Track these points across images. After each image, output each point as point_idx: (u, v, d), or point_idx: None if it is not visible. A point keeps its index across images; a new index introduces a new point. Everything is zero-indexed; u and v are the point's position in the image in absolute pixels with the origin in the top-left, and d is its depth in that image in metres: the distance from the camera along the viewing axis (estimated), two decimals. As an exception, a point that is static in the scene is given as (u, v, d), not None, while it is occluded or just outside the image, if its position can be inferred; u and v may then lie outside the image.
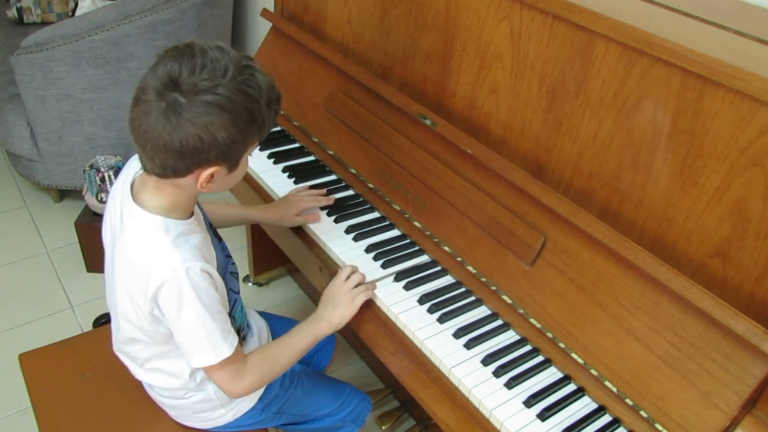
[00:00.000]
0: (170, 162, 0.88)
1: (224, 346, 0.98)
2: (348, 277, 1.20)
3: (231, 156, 0.91)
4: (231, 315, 1.05)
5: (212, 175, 0.92)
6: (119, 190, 1.00)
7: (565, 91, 1.17)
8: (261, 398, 1.20)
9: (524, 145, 1.27)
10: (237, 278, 1.15)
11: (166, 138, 0.85)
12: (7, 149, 2.39)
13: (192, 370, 1.08)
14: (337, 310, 1.15)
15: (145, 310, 0.96)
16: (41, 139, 2.24)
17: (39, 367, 1.27)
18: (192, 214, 1.00)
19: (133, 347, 1.08)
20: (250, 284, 2.21)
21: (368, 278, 1.22)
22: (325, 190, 1.44)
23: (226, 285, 1.05)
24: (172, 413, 1.19)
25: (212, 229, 1.12)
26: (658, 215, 1.08)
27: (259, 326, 1.25)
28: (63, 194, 2.54)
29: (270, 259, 2.17)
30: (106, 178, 2.02)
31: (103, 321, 1.77)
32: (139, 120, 0.87)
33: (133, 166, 1.01)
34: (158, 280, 0.92)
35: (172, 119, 0.84)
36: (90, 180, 2.04)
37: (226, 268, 1.09)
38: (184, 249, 0.93)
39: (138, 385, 1.21)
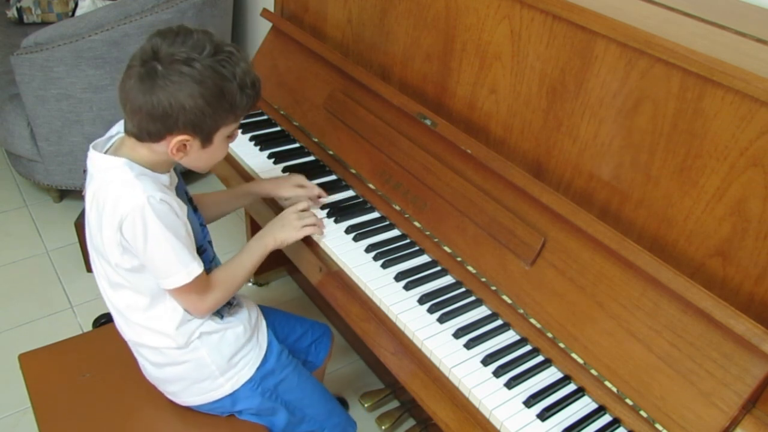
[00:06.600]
0: (144, 124, 0.98)
1: (194, 263, 1.05)
2: (303, 210, 1.30)
3: (201, 128, 1.00)
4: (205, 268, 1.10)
5: (184, 145, 1.01)
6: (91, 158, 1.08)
7: (565, 91, 1.17)
8: (258, 368, 1.21)
9: (524, 145, 1.27)
10: (211, 246, 1.22)
11: (141, 100, 0.96)
12: (7, 149, 2.39)
13: (178, 321, 1.11)
14: (284, 230, 1.26)
15: (114, 242, 1.01)
16: (41, 139, 2.24)
17: (39, 367, 1.27)
18: (164, 174, 1.07)
19: (114, 296, 1.12)
20: (250, 284, 2.21)
21: (369, 279, 1.23)
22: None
23: (202, 246, 1.13)
24: (171, 389, 1.19)
25: (187, 195, 1.17)
26: (658, 215, 1.08)
27: (249, 310, 1.25)
28: (63, 194, 2.54)
29: (270, 259, 2.15)
30: (106, 178, 2.02)
31: (103, 321, 1.77)
32: (123, 83, 0.99)
33: (111, 132, 1.09)
34: (122, 211, 0.98)
35: (147, 83, 0.95)
36: (90, 180, 2.04)
37: (204, 237, 1.17)
38: (146, 181, 1.00)
39: (138, 384, 1.21)
